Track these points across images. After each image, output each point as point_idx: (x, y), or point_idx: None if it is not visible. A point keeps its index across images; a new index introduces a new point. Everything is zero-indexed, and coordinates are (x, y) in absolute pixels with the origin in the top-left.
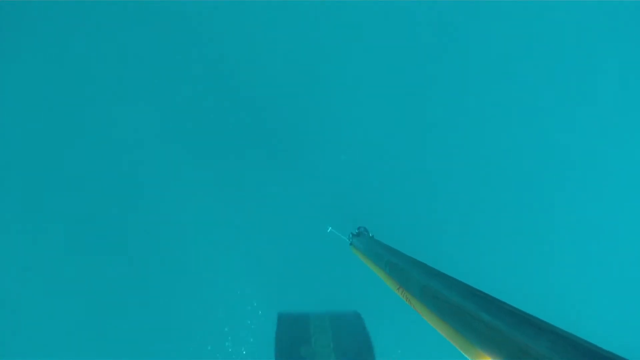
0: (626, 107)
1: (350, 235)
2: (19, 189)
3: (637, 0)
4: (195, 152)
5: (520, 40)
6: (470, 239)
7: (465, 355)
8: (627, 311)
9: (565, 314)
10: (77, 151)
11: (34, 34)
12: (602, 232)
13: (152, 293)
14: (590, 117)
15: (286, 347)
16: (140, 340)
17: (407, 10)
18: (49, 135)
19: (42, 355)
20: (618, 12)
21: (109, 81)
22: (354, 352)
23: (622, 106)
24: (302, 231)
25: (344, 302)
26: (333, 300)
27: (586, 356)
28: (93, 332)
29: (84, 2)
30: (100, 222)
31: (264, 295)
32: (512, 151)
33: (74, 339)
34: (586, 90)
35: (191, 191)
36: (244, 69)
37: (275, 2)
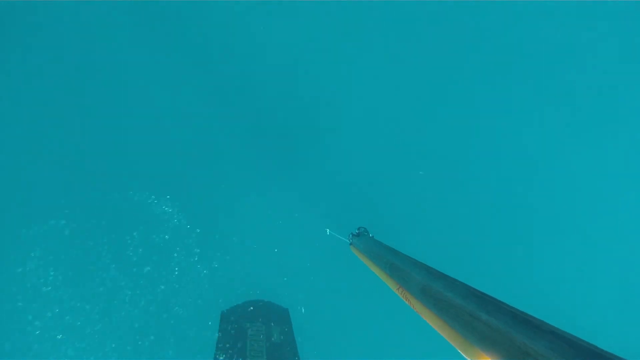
0: (625, 109)
1: (350, 236)
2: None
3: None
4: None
5: (518, 40)
6: (470, 240)
7: (464, 356)
8: (625, 312)
9: (565, 314)
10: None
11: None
12: (601, 234)
13: None
14: (590, 118)
15: (228, 333)
16: None
17: (412, 11)
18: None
19: None
20: (617, 13)
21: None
22: (280, 338)
23: (622, 107)
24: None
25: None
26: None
27: (585, 356)
28: None
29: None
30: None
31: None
32: (512, 153)
33: None
34: (585, 91)
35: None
36: (247, 70)
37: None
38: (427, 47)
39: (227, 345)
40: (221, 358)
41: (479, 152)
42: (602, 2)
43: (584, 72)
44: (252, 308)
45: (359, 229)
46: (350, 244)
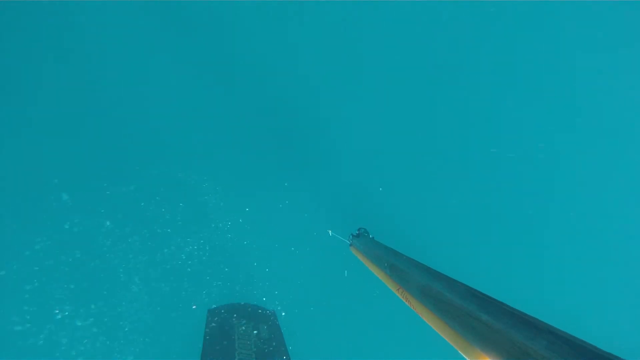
0: (624, 109)
1: (350, 237)
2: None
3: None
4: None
5: (517, 41)
6: (470, 240)
7: (464, 356)
8: (624, 311)
9: (564, 314)
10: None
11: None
12: (600, 233)
13: None
14: (588, 117)
15: (215, 331)
16: None
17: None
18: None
19: None
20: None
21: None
22: (269, 338)
23: (620, 107)
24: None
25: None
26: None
27: (584, 356)
28: None
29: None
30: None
31: None
32: (510, 152)
33: None
34: (584, 91)
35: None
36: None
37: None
38: (427, 47)
39: (215, 342)
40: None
41: (479, 153)
42: (602, 2)
43: (583, 73)
44: (238, 310)
45: (359, 229)
46: (350, 244)
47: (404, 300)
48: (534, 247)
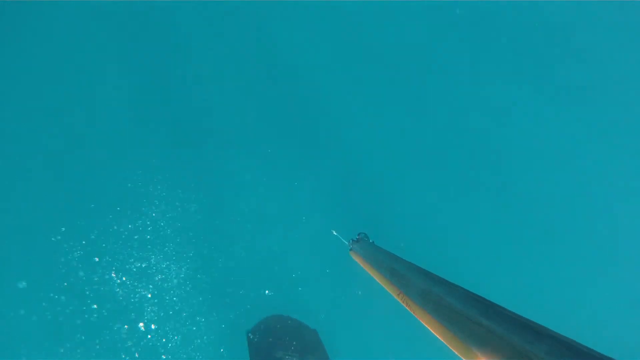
0: (623, 110)
1: (350, 241)
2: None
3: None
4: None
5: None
6: (471, 245)
7: None
8: (625, 317)
9: (565, 319)
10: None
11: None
12: (601, 238)
13: None
14: (587, 118)
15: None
16: None
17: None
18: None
19: None
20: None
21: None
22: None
23: (619, 109)
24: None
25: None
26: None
27: None
28: None
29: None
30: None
31: None
32: (511, 156)
33: None
34: (583, 92)
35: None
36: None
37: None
38: (426, 47)
39: None
40: None
41: (480, 155)
42: (602, 2)
43: (583, 72)
44: (277, 327)
45: (359, 234)
46: (350, 249)
47: (405, 305)
48: (534, 252)
